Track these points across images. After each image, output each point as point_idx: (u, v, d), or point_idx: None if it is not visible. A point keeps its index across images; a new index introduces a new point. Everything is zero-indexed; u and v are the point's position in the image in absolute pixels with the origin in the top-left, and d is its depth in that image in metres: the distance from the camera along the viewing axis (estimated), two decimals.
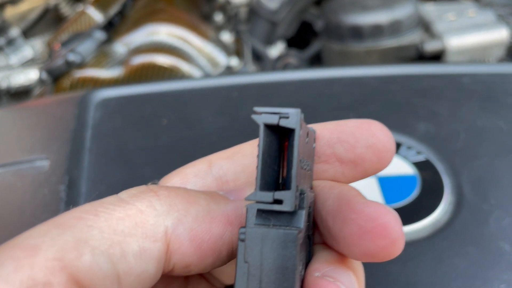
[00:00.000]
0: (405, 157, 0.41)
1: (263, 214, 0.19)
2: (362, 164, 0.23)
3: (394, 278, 0.33)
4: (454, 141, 0.43)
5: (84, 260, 0.17)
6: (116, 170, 0.43)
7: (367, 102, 0.48)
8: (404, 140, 0.43)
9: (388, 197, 0.38)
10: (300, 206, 0.19)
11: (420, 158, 0.41)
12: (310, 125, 0.22)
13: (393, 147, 0.23)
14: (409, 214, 0.37)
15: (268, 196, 0.18)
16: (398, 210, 0.37)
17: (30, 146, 0.47)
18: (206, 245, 0.20)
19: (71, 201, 0.40)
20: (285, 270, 0.18)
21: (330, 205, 0.21)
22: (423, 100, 0.48)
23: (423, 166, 0.40)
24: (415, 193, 0.38)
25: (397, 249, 0.19)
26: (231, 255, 0.21)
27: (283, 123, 0.19)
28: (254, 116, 0.19)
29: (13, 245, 0.17)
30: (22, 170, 0.44)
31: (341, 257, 0.21)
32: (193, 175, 0.24)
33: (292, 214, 0.19)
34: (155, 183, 0.26)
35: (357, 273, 0.21)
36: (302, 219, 0.19)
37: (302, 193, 0.20)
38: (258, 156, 0.19)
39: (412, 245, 0.35)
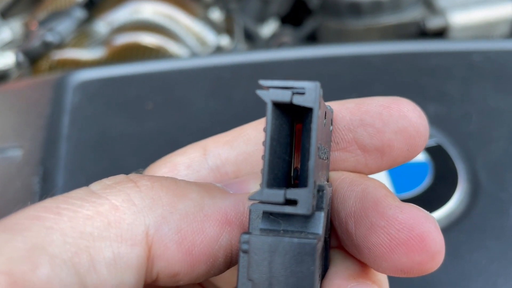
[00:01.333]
0: None
1: (270, 215, 0.16)
2: (390, 152, 0.19)
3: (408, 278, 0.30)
4: (466, 123, 0.40)
5: (41, 273, 0.13)
6: (97, 160, 0.39)
7: (370, 82, 0.44)
8: None
9: (398, 186, 0.34)
10: (318, 207, 0.16)
11: (431, 142, 0.37)
12: (326, 103, 0.18)
13: (426, 130, 0.19)
14: (421, 205, 0.33)
15: (278, 195, 0.14)
16: (409, 200, 0.34)
17: (1, 134, 0.43)
18: (198, 249, 0.16)
19: (46, 195, 0.36)
20: None
21: (352, 205, 0.17)
22: (431, 79, 0.44)
23: (435, 152, 0.37)
24: (427, 182, 0.35)
25: (436, 264, 0.16)
26: (230, 262, 0.18)
27: (298, 100, 0.15)
28: (260, 92, 0.15)
29: None
30: None
31: (364, 267, 0.18)
32: (185, 166, 0.21)
33: (308, 216, 0.15)
34: (140, 173, 0.22)
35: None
36: (320, 224, 0.15)
37: (320, 190, 0.16)
38: (264, 143, 0.15)
39: None
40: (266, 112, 0.15)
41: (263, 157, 0.15)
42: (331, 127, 0.19)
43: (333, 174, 0.19)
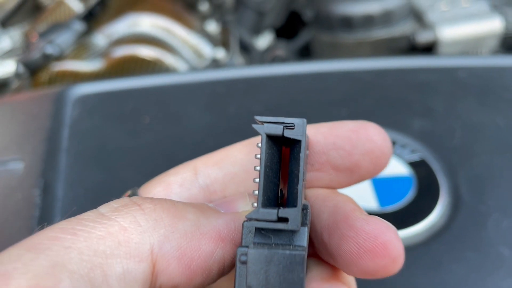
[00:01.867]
0: (400, 156, 0.39)
1: (262, 231, 0.18)
2: (358, 171, 0.21)
3: (390, 287, 0.31)
4: (450, 138, 0.41)
5: (62, 287, 0.15)
6: (95, 172, 0.41)
7: (359, 97, 0.46)
8: (398, 137, 0.41)
9: (382, 199, 0.36)
10: (303, 223, 0.18)
11: (415, 157, 0.39)
12: None
13: (390, 151, 0.21)
14: (404, 218, 0.35)
15: (272, 214, 0.17)
16: (393, 213, 0.35)
17: (3, 146, 0.44)
18: (196, 263, 0.19)
19: (46, 206, 0.37)
20: None
21: (326, 219, 0.19)
22: (418, 95, 0.46)
23: (418, 166, 0.38)
24: (410, 195, 0.36)
25: (397, 266, 0.18)
26: (222, 273, 0.20)
27: (288, 134, 0.17)
28: (255, 126, 0.17)
29: None
30: None
31: (335, 270, 0.20)
32: (178, 184, 0.23)
33: (295, 231, 0.18)
34: (135, 191, 0.24)
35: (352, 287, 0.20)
36: (305, 237, 0.18)
37: (304, 208, 0.18)
38: (259, 168, 0.18)
39: (408, 251, 0.33)
40: (261, 143, 0.17)
41: (255, 180, 0.18)
42: (307, 151, 0.21)
43: (308, 192, 0.21)
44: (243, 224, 0.18)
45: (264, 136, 0.17)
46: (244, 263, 0.17)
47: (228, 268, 0.20)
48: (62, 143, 0.43)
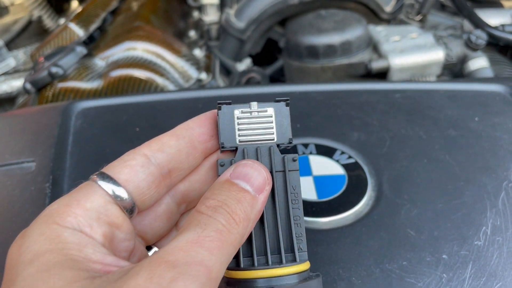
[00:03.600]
0: (338, 161, 0.49)
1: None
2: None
3: (320, 257, 0.41)
4: (381, 147, 0.52)
5: None
6: (95, 171, 0.50)
7: (312, 114, 0.56)
8: (339, 146, 0.51)
9: (321, 192, 0.46)
10: None
11: (351, 161, 0.49)
12: None
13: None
14: (336, 207, 0.45)
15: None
16: (328, 202, 0.45)
17: (18, 150, 0.54)
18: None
19: (55, 197, 0.47)
20: None
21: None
22: (359, 112, 0.56)
23: (352, 168, 0.49)
24: (343, 189, 0.46)
25: None
26: None
27: None
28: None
29: None
30: (11, 170, 0.51)
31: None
32: (140, 166, 0.31)
33: None
34: (102, 172, 0.32)
35: None
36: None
37: None
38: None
39: (336, 231, 0.43)
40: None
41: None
42: None
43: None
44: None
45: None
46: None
47: None
48: (68, 148, 0.52)
